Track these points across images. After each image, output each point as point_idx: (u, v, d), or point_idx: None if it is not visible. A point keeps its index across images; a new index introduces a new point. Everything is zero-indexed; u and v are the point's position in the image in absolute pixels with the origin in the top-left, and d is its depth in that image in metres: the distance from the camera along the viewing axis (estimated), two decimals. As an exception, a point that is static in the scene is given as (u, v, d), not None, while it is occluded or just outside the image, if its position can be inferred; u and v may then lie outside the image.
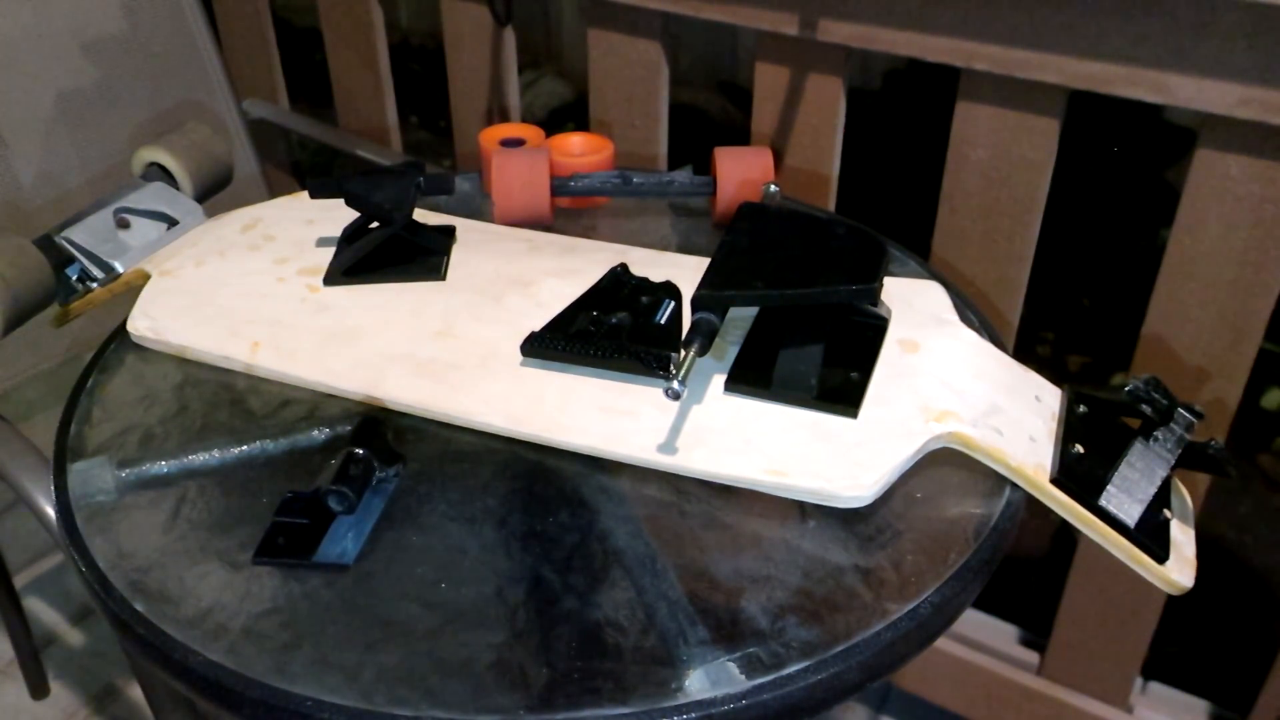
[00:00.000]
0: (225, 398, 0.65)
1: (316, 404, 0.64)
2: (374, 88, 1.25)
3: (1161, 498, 0.59)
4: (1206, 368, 0.84)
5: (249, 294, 0.71)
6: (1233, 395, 0.85)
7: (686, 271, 0.69)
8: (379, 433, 0.61)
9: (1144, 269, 0.90)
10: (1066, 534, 1.24)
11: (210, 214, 0.81)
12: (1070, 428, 0.61)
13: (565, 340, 0.63)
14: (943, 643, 1.09)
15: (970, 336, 0.65)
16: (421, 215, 0.76)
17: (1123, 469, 0.59)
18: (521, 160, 0.80)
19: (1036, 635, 1.10)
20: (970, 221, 0.90)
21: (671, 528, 0.56)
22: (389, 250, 0.72)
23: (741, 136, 0.98)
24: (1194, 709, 1.05)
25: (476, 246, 0.76)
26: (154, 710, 0.80)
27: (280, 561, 0.54)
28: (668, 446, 0.58)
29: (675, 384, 0.54)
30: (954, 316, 0.67)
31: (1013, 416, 0.60)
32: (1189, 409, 0.62)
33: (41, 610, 1.33)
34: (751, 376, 0.61)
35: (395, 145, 1.29)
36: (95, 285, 0.75)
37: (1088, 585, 0.99)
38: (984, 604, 1.13)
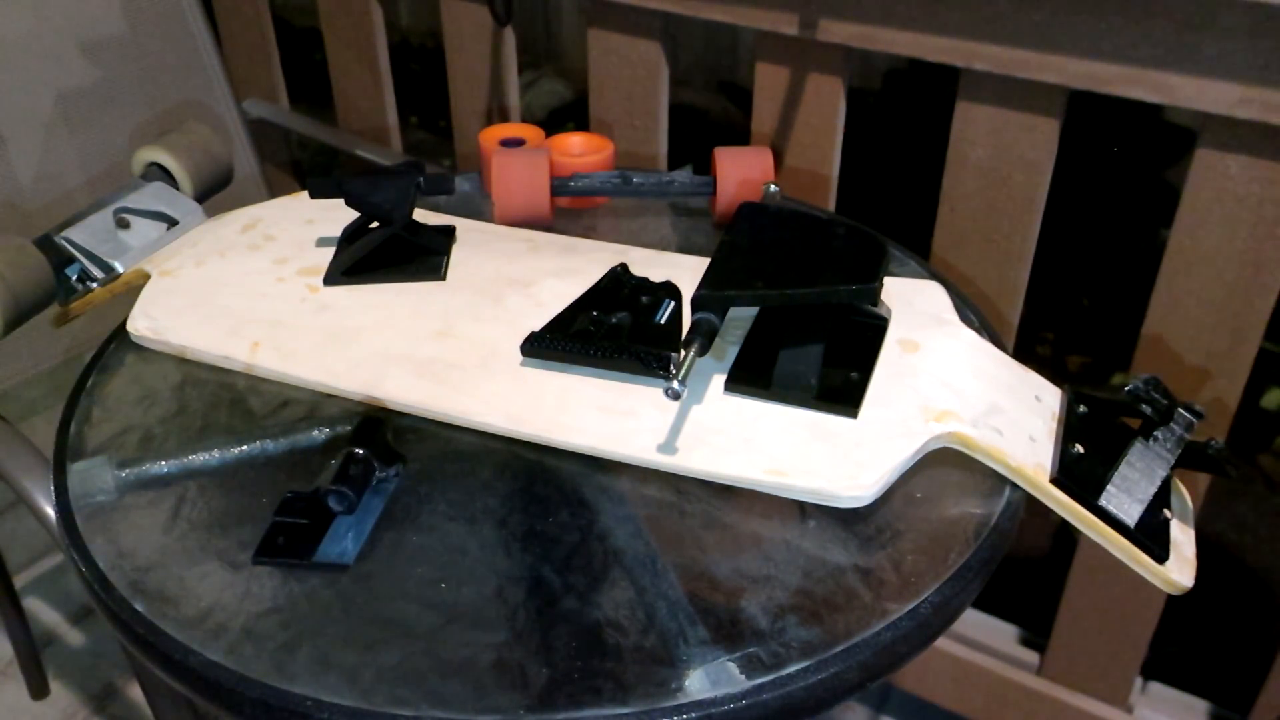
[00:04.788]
0: (225, 398, 0.65)
1: (316, 404, 0.64)
2: (374, 88, 1.25)
3: (1161, 498, 0.59)
4: (1206, 368, 0.84)
5: (249, 294, 0.71)
6: (1233, 395, 0.85)
7: (686, 271, 0.69)
8: (379, 433, 0.61)
9: (1144, 269, 0.90)
10: (1066, 534, 1.24)
11: (210, 214, 0.81)
12: (1070, 428, 0.61)
13: (565, 340, 0.63)
14: (943, 643, 1.09)
15: (970, 336, 0.65)
16: (421, 215, 0.76)
17: (1123, 469, 0.59)
18: (521, 160, 0.80)
19: (1036, 635, 1.10)
20: (970, 221, 0.90)
21: (671, 528, 0.56)
22: (389, 250, 0.72)
23: (741, 136, 0.98)
24: (1194, 709, 1.05)
25: (476, 246, 0.76)
26: (154, 710, 0.80)
27: (280, 561, 0.54)
28: (668, 446, 0.58)
29: (675, 384, 0.54)
30: (954, 316, 0.67)
31: (1013, 416, 0.60)
32: (1189, 409, 0.62)
33: (41, 610, 1.33)
34: (751, 376, 0.61)
35: (395, 145, 1.29)
36: (95, 285, 0.75)
37: (1088, 585, 0.99)
38: (984, 604, 1.13)
